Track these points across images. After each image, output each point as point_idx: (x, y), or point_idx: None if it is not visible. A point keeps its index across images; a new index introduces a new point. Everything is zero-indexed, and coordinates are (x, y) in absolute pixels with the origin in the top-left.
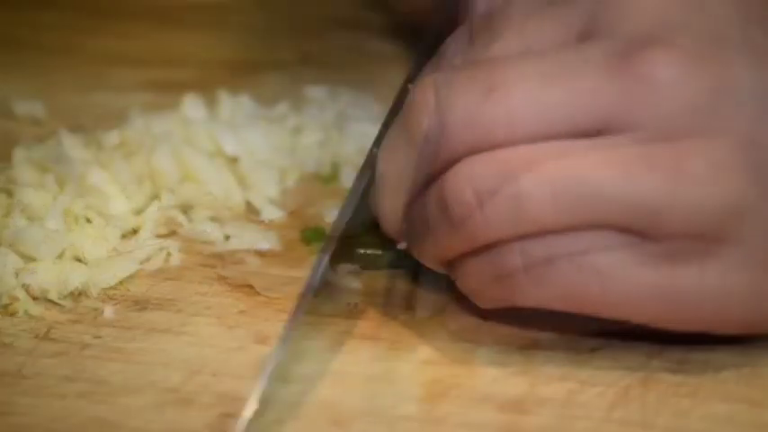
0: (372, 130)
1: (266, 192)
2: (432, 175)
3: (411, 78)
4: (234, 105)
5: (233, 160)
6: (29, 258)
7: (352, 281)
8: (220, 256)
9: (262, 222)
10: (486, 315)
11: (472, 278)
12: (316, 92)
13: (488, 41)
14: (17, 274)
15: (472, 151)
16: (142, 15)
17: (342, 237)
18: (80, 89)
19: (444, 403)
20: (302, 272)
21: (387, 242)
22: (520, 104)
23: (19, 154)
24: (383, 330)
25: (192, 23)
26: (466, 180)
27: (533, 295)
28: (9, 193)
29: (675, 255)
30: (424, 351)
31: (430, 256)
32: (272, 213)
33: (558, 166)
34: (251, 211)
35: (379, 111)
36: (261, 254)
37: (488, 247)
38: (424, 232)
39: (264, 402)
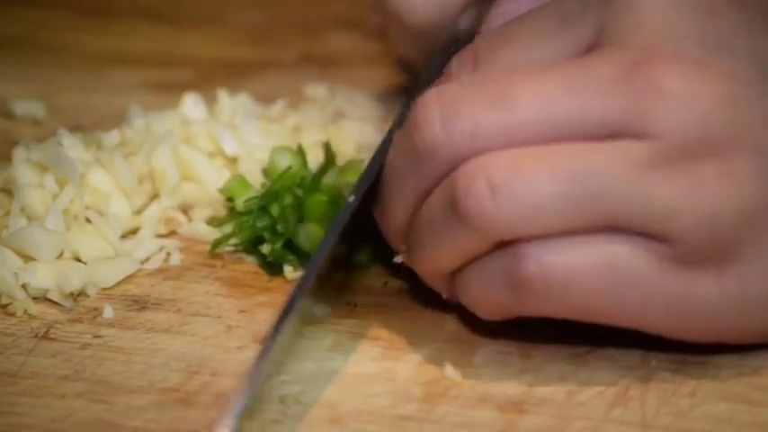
0: (371, 130)
1: None
2: (436, 185)
3: (398, 123)
4: (233, 105)
5: (233, 160)
6: (29, 258)
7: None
8: (220, 256)
9: None
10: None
11: (479, 287)
12: (315, 91)
13: (493, 60)
14: (17, 274)
15: (477, 155)
16: (142, 15)
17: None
18: (80, 89)
19: (444, 403)
20: (301, 272)
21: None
22: (529, 115)
23: (19, 154)
24: (383, 330)
25: (192, 23)
26: (479, 171)
27: (547, 303)
28: (9, 193)
29: (693, 260)
30: (424, 351)
31: (432, 267)
32: None
33: (571, 159)
34: None
35: (377, 110)
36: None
37: (498, 251)
38: (429, 239)
39: (264, 402)
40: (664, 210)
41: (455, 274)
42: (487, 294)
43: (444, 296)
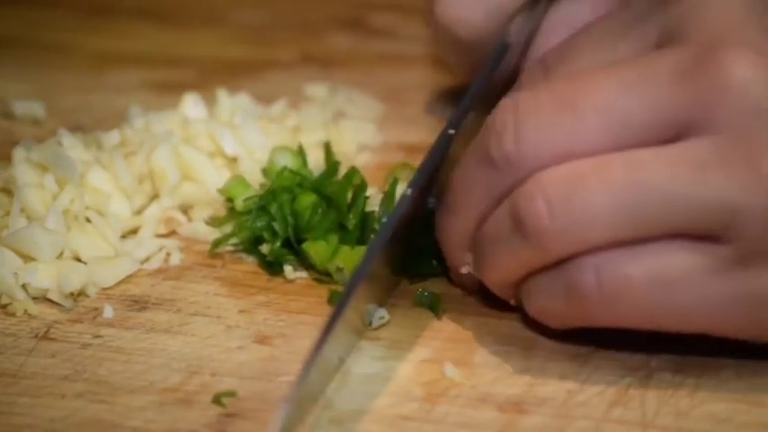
0: (372, 129)
1: None
2: (506, 193)
3: (452, 124)
4: (233, 105)
5: (233, 160)
6: (29, 258)
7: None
8: (220, 256)
9: None
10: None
11: (542, 298)
12: (315, 91)
13: (563, 70)
14: (17, 274)
15: (547, 165)
16: (142, 15)
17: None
18: (80, 89)
19: (444, 403)
20: (300, 272)
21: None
22: (594, 116)
23: (19, 154)
24: (383, 330)
25: (192, 23)
26: (537, 190)
27: (607, 314)
28: (9, 193)
29: (750, 258)
30: (424, 351)
31: (497, 278)
32: None
33: (629, 171)
34: None
35: (377, 110)
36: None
37: (559, 263)
38: (494, 251)
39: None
40: (725, 208)
41: (519, 284)
42: (549, 306)
43: (512, 303)
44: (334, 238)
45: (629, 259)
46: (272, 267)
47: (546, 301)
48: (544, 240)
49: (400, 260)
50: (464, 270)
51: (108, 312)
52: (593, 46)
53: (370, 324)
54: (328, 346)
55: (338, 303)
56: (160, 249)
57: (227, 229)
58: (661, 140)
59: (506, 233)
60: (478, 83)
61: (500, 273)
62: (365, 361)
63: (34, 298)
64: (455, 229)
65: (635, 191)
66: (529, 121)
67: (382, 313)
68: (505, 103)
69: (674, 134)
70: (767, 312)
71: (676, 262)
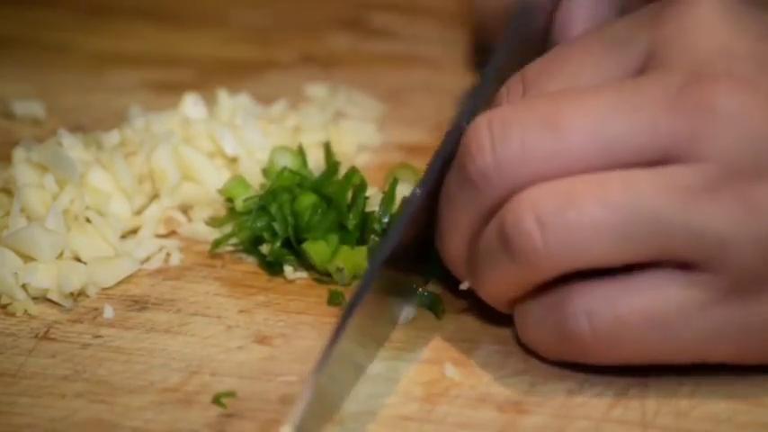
0: (371, 129)
1: None
2: (491, 212)
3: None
4: (233, 105)
5: (233, 160)
6: (29, 258)
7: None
8: (220, 256)
9: None
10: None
11: (536, 335)
12: (315, 91)
13: (543, 86)
14: (17, 274)
15: (530, 184)
16: (141, 15)
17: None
18: (80, 89)
19: (444, 403)
20: (300, 272)
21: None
22: (579, 137)
23: (19, 154)
24: None
25: (192, 23)
26: (527, 208)
27: (603, 354)
28: (9, 193)
29: (744, 288)
30: (424, 351)
31: (493, 294)
32: None
33: (622, 192)
34: None
35: (377, 110)
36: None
37: (550, 291)
38: (486, 269)
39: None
40: (714, 238)
41: (514, 301)
42: (544, 342)
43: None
44: (334, 238)
45: (620, 299)
46: (272, 267)
47: (540, 338)
48: (534, 259)
49: (409, 263)
50: (463, 286)
51: (108, 312)
52: (576, 62)
53: (396, 322)
54: (336, 359)
55: (346, 309)
56: (160, 249)
57: (227, 229)
58: (646, 164)
59: (496, 251)
60: (499, 55)
61: (494, 290)
62: None
63: (34, 298)
64: (448, 249)
65: (625, 212)
66: (508, 137)
67: (409, 311)
68: (480, 121)
69: (659, 159)
70: (764, 339)
71: (669, 297)
